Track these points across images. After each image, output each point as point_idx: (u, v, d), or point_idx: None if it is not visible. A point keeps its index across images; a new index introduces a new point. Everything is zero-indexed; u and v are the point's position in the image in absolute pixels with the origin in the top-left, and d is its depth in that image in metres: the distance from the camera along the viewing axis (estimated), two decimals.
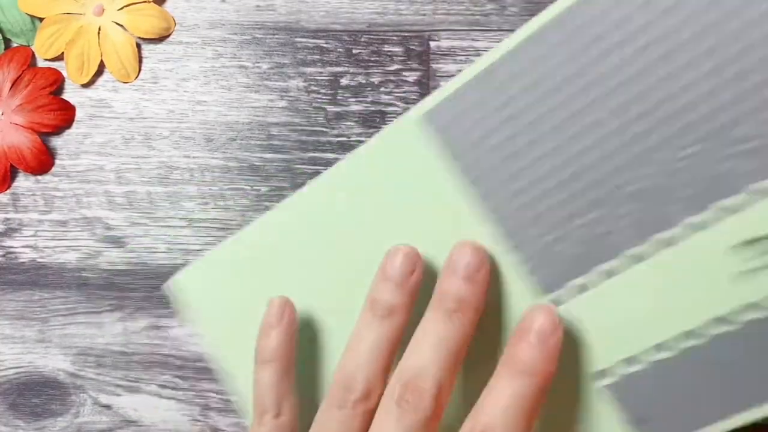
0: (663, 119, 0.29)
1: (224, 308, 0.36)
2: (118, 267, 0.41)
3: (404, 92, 0.40)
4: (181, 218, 0.41)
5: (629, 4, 0.29)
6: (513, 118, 0.31)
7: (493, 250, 0.32)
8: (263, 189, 0.41)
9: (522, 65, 0.31)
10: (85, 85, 0.41)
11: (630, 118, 0.30)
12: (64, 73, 0.41)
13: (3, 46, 0.41)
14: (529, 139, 0.31)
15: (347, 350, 0.32)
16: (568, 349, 0.31)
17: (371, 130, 0.40)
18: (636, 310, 0.30)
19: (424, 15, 0.41)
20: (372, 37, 0.41)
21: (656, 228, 0.30)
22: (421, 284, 0.32)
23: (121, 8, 0.41)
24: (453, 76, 0.40)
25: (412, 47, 0.40)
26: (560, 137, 0.31)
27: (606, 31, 0.30)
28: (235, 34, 0.41)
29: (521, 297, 0.32)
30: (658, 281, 0.30)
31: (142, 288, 0.41)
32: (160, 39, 0.41)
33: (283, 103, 0.41)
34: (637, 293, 0.30)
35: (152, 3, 0.41)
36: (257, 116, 0.41)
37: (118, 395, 0.40)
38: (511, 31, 0.40)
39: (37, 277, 0.41)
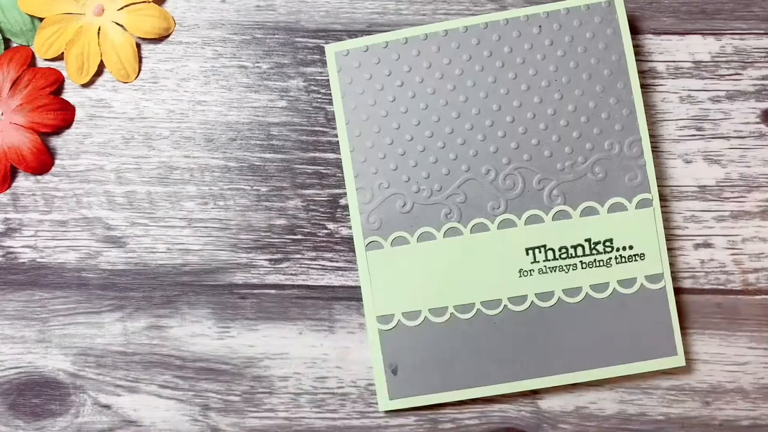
0: (504, 137, 0.39)
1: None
2: (118, 267, 0.41)
3: None
4: (181, 218, 0.41)
5: (519, 42, 0.39)
6: (402, 87, 0.39)
7: (348, 183, 0.39)
8: (263, 189, 0.41)
9: (429, 49, 0.39)
10: (85, 85, 0.41)
11: (483, 126, 0.39)
12: (64, 73, 0.41)
13: (3, 46, 0.41)
14: (405, 108, 0.39)
15: None
16: (367, 291, 0.39)
17: None
18: (433, 272, 0.39)
19: (424, 15, 0.41)
20: None
21: (476, 215, 0.39)
22: None
23: (121, 8, 0.41)
24: None
25: None
26: (429, 118, 0.39)
27: (496, 52, 0.39)
28: (235, 34, 0.41)
29: (357, 232, 0.39)
30: (461, 256, 0.39)
31: (142, 288, 0.41)
32: (160, 39, 0.41)
33: (283, 103, 0.41)
34: (441, 260, 0.39)
35: (152, 3, 0.41)
36: (257, 116, 0.41)
37: (118, 395, 0.40)
38: None
39: (37, 277, 0.41)
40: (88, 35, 0.41)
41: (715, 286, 0.40)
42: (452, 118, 0.39)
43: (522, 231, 0.39)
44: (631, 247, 0.39)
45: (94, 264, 0.41)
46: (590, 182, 0.39)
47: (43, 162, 0.41)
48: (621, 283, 0.39)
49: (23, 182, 0.41)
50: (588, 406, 0.39)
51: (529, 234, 0.39)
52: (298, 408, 0.40)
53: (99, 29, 0.41)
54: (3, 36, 0.41)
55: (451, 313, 0.39)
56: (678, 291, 0.39)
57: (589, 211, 0.39)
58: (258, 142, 0.41)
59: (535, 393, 0.39)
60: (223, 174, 0.41)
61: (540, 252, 0.39)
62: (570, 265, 0.39)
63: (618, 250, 0.39)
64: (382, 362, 0.39)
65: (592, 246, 0.39)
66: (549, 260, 0.39)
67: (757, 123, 0.40)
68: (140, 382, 0.40)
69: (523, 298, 0.39)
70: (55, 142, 0.41)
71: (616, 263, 0.39)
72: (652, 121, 0.40)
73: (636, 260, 0.39)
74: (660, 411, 0.39)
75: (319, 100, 0.41)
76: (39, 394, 0.41)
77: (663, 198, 0.40)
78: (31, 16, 0.41)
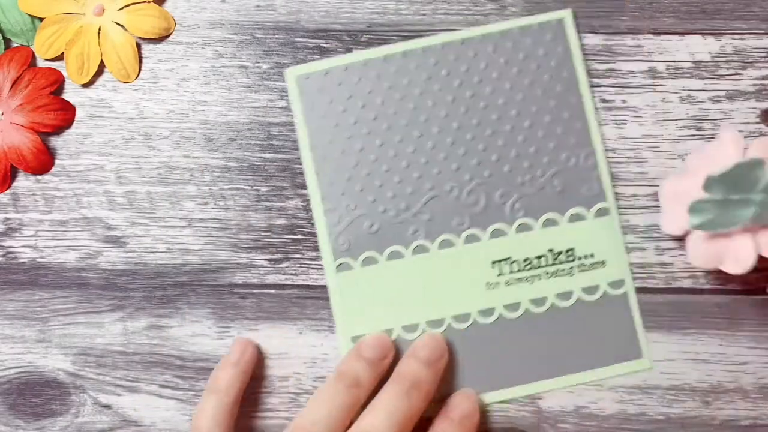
0: (464, 154, 0.40)
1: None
2: (118, 267, 0.41)
3: None
4: (181, 218, 0.41)
5: (477, 62, 0.40)
6: (364, 109, 0.40)
7: (315, 206, 0.40)
8: (263, 189, 0.41)
9: (389, 70, 0.40)
10: (85, 85, 0.41)
11: (445, 144, 0.40)
12: (64, 73, 0.41)
13: (3, 46, 0.41)
14: (368, 129, 0.40)
15: (309, 405, 0.36)
16: (339, 312, 0.40)
17: None
18: (404, 290, 0.40)
19: (424, 15, 0.41)
20: (372, 37, 0.41)
21: (442, 231, 0.40)
22: (388, 368, 0.38)
23: (122, 8, 0.41)
24: None
25: None
26: (391, 138, 0.40)
27: (453, 71, 0.40)
28: (235, 34, 0.41)
29: (326, 254, 0.40)
30: (430, 272, 0.39)
31: (142, 288, 0.41)
32: (160, 39, 0.41)
33: (283, 103, 0.41)
34: (411, 277, 0.40)
35: (152, 3, 0.41)
36: (257, 116, 0.41)
37: (118, 395, 0.40)
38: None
39: (37, 277, 0.41)
40: (88, 35, 0.41)
41: (714, 286, 0.40)
42: (414, 137, 0.40)
43: (487, 245, 0.39)
44: (592, 255, 0.39)
45: (94, 264, 0.41)
46: (550, 194, 0.40)
47: (43, 162, 0.41)
48: (584, 290, 0.39)
49: (23, 182, 0.41)
50: (588, 406, 0.39)
51: (495, 247, 0.39)
52: (299, 408, 0.40)
53: (99, 29, 0.41)
54: (3, 36, 0.41)
55: (423, 330, 0.39)
56: (676, 291, 0.39)
57: (550, 222, 0.40)
58: (258, 142, 0.41)
59: (535, 393, 0.39)
60: (223, 174, 0.41)
61: (506, 264, 0.39)
62: (535, 275, 0.39)
63: (580, 258, 0.40)
64: None
65: (555, 256, 0.39)
66: (514, 272, 0.39)
67: (757, 123, 0.40)
68: (140, 382, 0.40)
69: (491, 310, 0.39)
70: (55, 142, 0.41)
71: (579, 271, 0.39)
72: (653, 121, 0.40)
73: (597, 267, 0.39)
74: (660, 411, 0.39)
75: None
76: (39, 393, 0.41)
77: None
78: (31, 16, 0.41)
